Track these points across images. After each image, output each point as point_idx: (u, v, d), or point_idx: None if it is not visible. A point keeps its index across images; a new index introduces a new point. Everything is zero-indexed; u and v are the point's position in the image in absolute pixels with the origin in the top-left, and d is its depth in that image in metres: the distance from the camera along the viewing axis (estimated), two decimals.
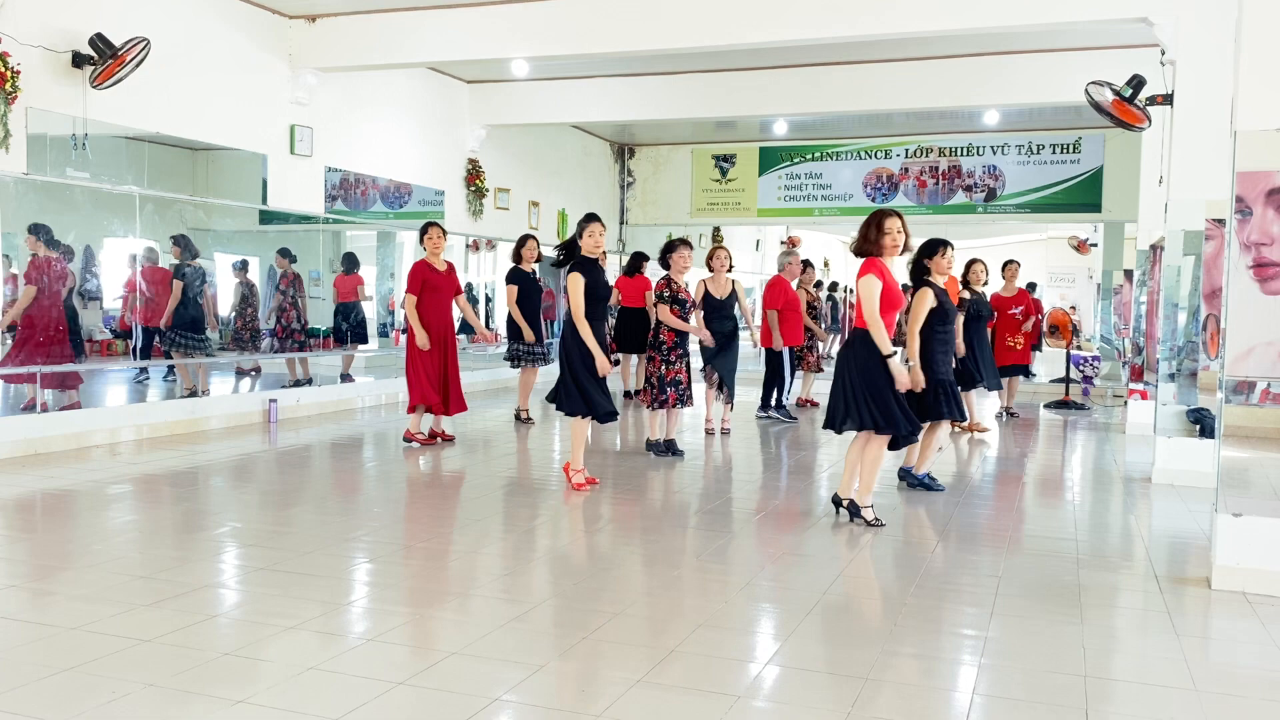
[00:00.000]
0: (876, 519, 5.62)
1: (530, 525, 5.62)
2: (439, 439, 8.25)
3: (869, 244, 5.53)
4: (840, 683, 3.39)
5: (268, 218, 10.11)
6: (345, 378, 11.00)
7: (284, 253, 10.27)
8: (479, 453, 8.17)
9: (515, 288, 9.37)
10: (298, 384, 10.27)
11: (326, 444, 8.46)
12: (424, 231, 8.08)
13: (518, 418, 9.65)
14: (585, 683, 3.37)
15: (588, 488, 6.47)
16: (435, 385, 7.95)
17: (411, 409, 8.10)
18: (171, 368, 9.00)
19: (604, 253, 6.60)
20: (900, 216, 5.52)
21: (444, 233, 8.13)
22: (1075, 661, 3.62)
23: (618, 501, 6.32)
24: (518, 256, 9.46)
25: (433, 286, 7.94)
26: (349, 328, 11.15)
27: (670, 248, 7.92)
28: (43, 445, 7.44)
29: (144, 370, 8.85)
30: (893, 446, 5.74)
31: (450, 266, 8.15)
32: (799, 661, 3.62)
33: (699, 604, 4.29)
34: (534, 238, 9.58)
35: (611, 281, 11.16)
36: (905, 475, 6.79)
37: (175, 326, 8.89)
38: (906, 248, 5.58)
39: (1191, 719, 3.17)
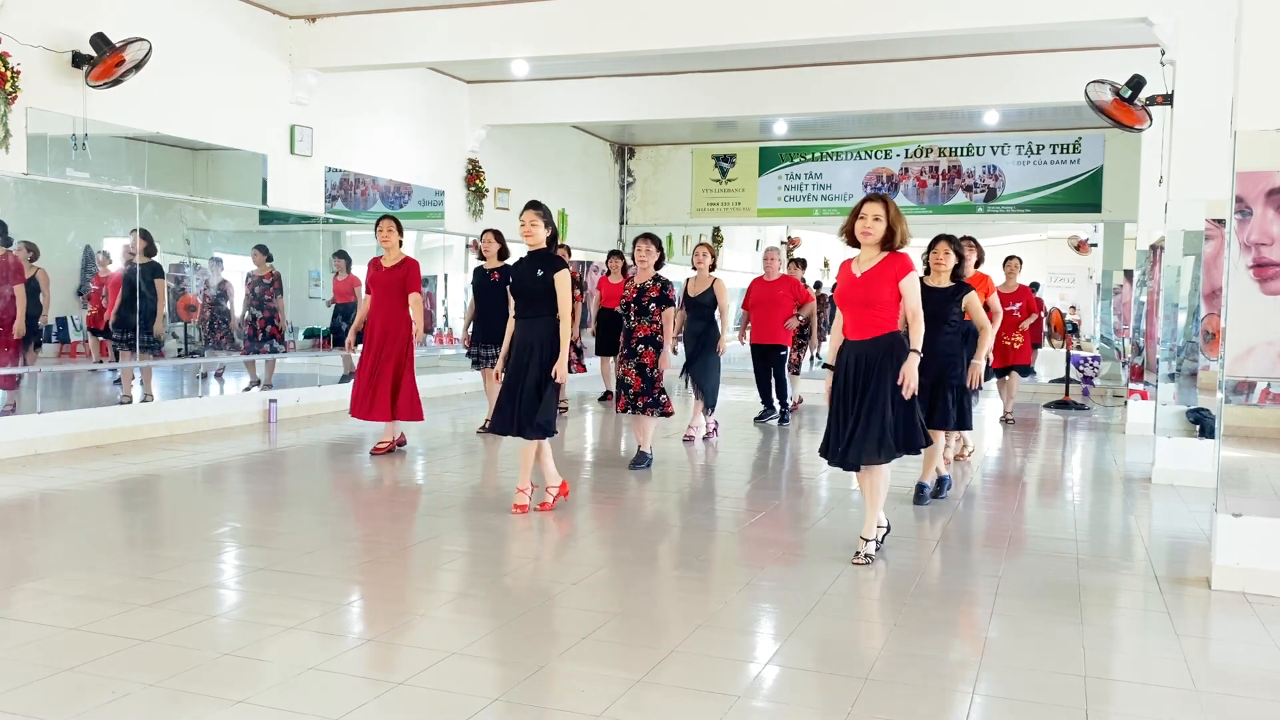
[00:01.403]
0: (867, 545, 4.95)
1: (529, 526, 5.61)
2: (396, 445, 7.82)
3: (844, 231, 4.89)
4: (840, 683, 3.39)
5: (268, 218, 10.10)
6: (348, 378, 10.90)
7: (261, 249, 9.86)
8: (478, 455, 8.17)
9: (474, 286, 9.04)
10: (255, 385, 9.88)
11: (326, 445, 8.46)
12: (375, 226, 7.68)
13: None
14: (585, 683, 3.37)
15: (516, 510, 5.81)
16: (359, 388, 7.56)
17: None
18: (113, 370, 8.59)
19: (556, 243, 5.87)
20: (884, 201, 4.72)
21: (397, 226, 7.55)
22: (1075, 661, 3.62)
23: (616, 503, 6.32)
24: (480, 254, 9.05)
25: (374, 283, 7.61)
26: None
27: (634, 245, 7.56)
28: (42, 445, 7.44)
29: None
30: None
31: (404, 262, 7.54)
32: (799, 661, 3.62)
33: (699, 604, 4.29)
34: (491, 231, 8.84)
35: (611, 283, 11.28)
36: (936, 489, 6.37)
37: (119, 325, 8.31)
38: (891, 241, 4.71)
39: (1191, 719, 3.17)
